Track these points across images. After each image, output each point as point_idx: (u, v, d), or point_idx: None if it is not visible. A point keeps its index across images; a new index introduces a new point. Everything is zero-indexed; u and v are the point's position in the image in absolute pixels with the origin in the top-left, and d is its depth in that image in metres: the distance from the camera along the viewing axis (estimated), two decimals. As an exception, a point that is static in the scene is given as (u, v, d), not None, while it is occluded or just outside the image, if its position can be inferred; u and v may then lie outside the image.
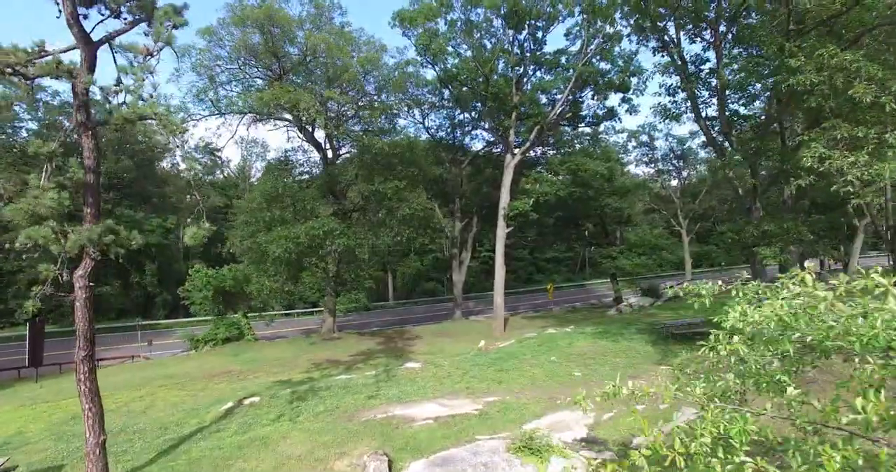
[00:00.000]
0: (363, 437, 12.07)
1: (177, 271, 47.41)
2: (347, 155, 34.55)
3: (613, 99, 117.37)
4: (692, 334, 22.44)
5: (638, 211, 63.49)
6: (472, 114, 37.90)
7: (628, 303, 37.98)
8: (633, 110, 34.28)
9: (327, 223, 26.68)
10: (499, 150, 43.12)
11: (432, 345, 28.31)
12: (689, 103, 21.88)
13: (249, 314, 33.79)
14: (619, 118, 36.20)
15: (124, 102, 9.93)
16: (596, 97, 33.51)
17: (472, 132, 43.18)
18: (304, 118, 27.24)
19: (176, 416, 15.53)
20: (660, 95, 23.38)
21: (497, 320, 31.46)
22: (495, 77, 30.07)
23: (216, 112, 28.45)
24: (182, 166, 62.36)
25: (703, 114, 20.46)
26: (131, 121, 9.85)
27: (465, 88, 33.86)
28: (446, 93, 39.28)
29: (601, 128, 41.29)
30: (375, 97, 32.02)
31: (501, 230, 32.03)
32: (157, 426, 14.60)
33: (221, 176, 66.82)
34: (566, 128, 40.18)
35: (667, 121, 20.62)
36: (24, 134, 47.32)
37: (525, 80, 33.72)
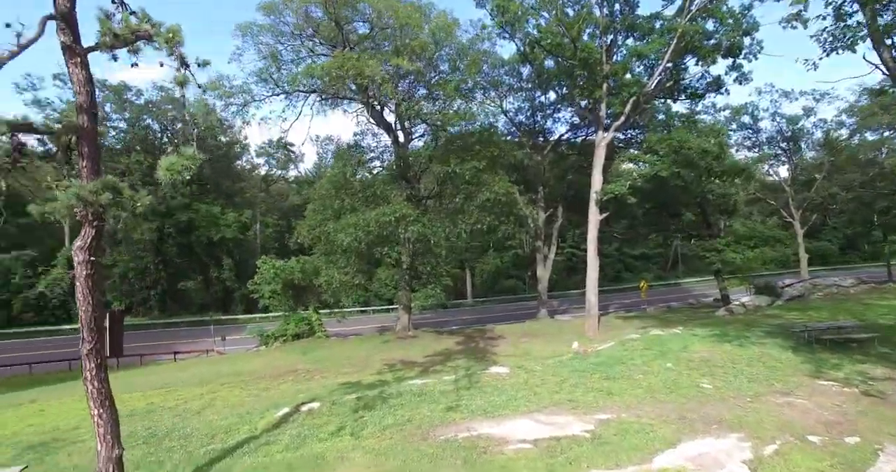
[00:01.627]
0: (441, 465, 9.24)
1: (253, 266, 47.24)
2: (420, 141, 32.18)
3: (720, 67, 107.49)
4: (845, 340, 18.02)
5: (741, 200, 56.86)
6: (556, 91, 34.29)
7: (740, 302, 32.92)
8: (743, 79, 29.30)
9: (399, 209, 24.34)
10: (584, 133, 39.23)
11: (517, 346, 25.16)
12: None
13: (320, 310, 32.21)
14: (725, 90, 31.28)
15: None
16: (700, 63, 28.89)
17: (555, 115, 39.64)
18: (371, 94, 25.16)
19: (228, 420, 13.46)
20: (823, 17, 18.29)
21: (590, 320, 27.78)
22: (585, 38, 26.37)
23: (279, 92, 26.89)
24: (256, 160, 63.04)
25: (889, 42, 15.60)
26: (124, 39, 7.57)
27: (547, 61, 30.44)
28: (525, 72, 35.99)
29: (699, 107, 36.37)
30: (448, 76, 29.31)
31: (594, 217, 28.32)
32: (205, 432, 12.55)
33: (296, 171, 67.35)
34: (661, 105, 35.64)
35: (833, 51, 15.95)
36: (112, 133, 49.09)
37: (615, 49, 29.80)
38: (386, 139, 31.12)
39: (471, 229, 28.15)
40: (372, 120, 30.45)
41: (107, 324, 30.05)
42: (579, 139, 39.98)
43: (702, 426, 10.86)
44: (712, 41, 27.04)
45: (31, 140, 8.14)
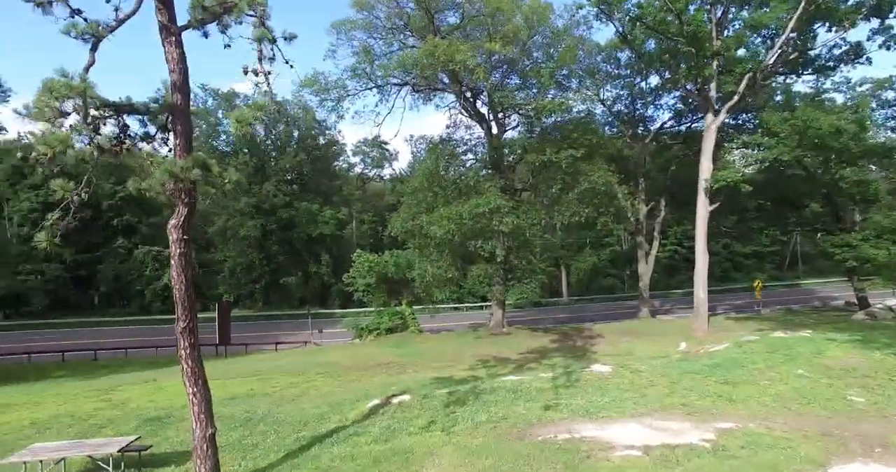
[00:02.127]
0: (539, 468, 8.34)
1: (349, 262, 48.69)
2: (513, 132, 31.20)
3: (860, 31, 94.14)
4: None
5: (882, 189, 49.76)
6: (659, 73, 31.78)
7: (885, 306, 28.62)
8: (893, 42, 25.29)
9: (492, 201, 23.56)
10: (689, 120, 36.17)
11: (617, 345, 23.47)
12: None
13: (414, 305, 32.23)
14: (867, 59, 27.27)
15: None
16: (834, 29, 25.29)
17: (656, 102, 36.93)
18: (463, 83, 24.61)
19: (320, 409, 13.41)
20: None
21: (698, 319, 25.38)
22: (691, 10, 23.98)
23: (372, 86, 27.13)
24: (352, 159, 64.89)
25: None
26: (212, 12, 7.41)
27: (648, 42, 28.23)
28: (623, 58, 33.81)
29: (827, 83, 31.99)
30: (542, 64, 28.01)
31: (702, 208, 25.83)
32: (298, 419, 12.55)
33: (390, 169, 68.82)
34: (780, 84, 31.90)
35: None
36: (223, 137, 52.81)
37: (726, 23, 26.96)
38: (479, 131, 30.56)
39: (568, 222, 26.72)
40: (464, 112, 29.98)
41: (216, 314, 32.25)
42: (683, 127, 36.98)
43: (859, 448, 9.04)
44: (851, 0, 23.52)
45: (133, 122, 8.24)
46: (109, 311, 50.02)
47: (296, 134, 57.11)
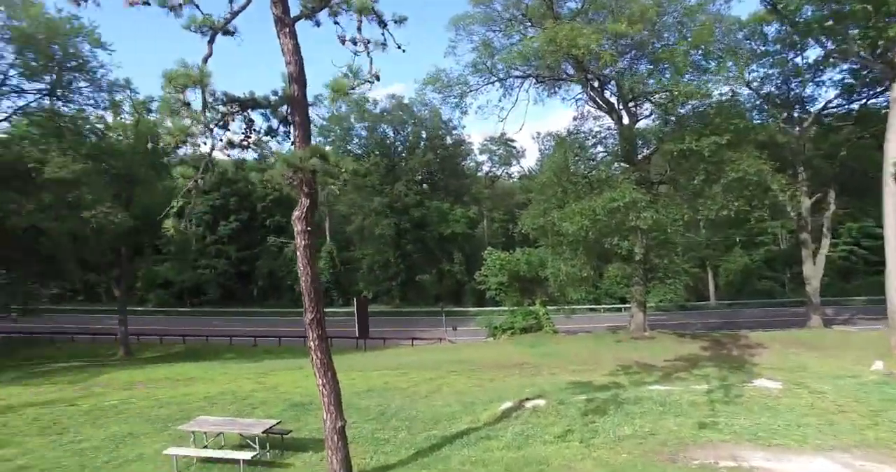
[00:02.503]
0: (702, 500, 7.13)
1: (481, 260, 48.91)
2: (646, 122, 28.66)
3: None
4: None
5: None
6: (821, 44, 26.94)
7: None
8: None
9: (627, 194, 21.71)
10: (864, 95, 30.35)
11: (785, 358, 20.35)
12: None
13: (548, 305, 31.13)
14: None
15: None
16: None
17: (817, 79, 31.41)
18: (589, 70, 22.96)
19: (452, 408, 13.17)
20: None
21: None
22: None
23: (494, 80, 26.52)
24: (479, 158, 64.96)
25: None
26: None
27: (805, 9, 24.07)
28: (771, 32, 29.39)
29: None
30: (675, 46, 25.15)
31: (891, 199, 21.41)
32: (429, 417, 12.42)
33: (518, 167, 67.80)
34: None
35: None
36: (355, 140, 56.02)
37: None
38: (608, 121, 28.50)
39: (714, 216, 23.79)
40: (592, 102, 28.21)
41: (355, 309, 33.95)
42: (855, 105, 31.17)
43: None
44: None
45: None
46: (266, 302, 55.51)
47: (424, 134, 58.65)
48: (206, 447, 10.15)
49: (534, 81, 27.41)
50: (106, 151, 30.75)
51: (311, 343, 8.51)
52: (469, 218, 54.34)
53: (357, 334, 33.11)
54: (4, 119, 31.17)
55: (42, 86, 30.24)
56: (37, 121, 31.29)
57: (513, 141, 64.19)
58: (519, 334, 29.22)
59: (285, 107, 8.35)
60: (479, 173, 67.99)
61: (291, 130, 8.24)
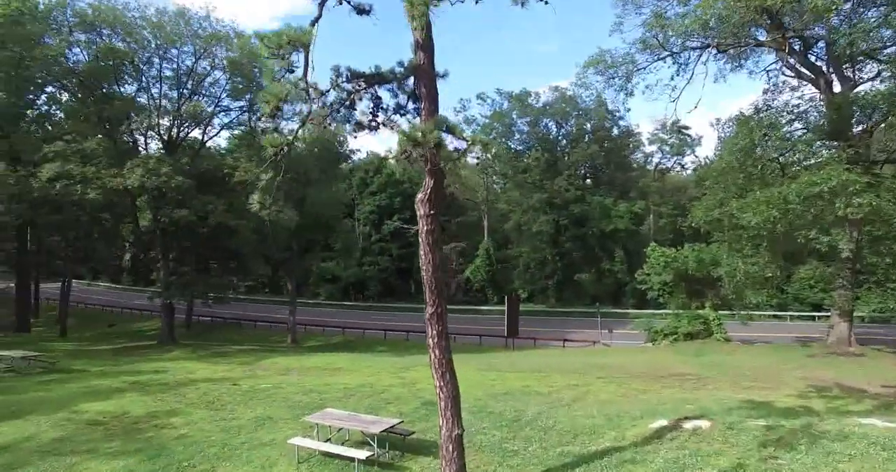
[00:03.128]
0: None
1: (644, 259, 44.84)
2: (869, 86, 23.16)
3: None
4: None
5: None
6: None
7: None
8: None
9: (836, 176, 17.61)
10: None
11: None
12: None
13: (720, 309, 27.08)
14: None
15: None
16: None
17: None
18: (790, 28, 18.97)
19: (595, 420, 11.55)
20: None
21: None
22: None
23: (665, 55, 23.43)
24: (648, 149, 59.95)
25: None
26: None
27: None
28: None
29: None
30: None
31: None
32: (567, 429, 10.99)
33: (692, 157, 60.78)
34: None
35: None
36: (517, 135, 54.96)
37: None
38: (810, 91, 23.67)
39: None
40: (790, 70, 23.65)
41: (506, 307, 33.16)
42: None
43: None
44: None
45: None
46: (421, 299, 57.48)
47: (588, 127, 55.68)
48: (328, 440, 9.99)
49: (714, 52, 23.76)
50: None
51: (430, 340, 7.70)
52: (634, 213, 50.05)
53: (506, 333, 32.34)
54: (215, 134, 36.87)
55: (242, 104, 35.01)
56: (237, 135, 36.57)
57: (686, 128, 58.11)
58: (682, 340, 25.84)
59: (413, 80, 7.66)
60: (648, 166, 62.69)
61: (419, 103, 7.51)
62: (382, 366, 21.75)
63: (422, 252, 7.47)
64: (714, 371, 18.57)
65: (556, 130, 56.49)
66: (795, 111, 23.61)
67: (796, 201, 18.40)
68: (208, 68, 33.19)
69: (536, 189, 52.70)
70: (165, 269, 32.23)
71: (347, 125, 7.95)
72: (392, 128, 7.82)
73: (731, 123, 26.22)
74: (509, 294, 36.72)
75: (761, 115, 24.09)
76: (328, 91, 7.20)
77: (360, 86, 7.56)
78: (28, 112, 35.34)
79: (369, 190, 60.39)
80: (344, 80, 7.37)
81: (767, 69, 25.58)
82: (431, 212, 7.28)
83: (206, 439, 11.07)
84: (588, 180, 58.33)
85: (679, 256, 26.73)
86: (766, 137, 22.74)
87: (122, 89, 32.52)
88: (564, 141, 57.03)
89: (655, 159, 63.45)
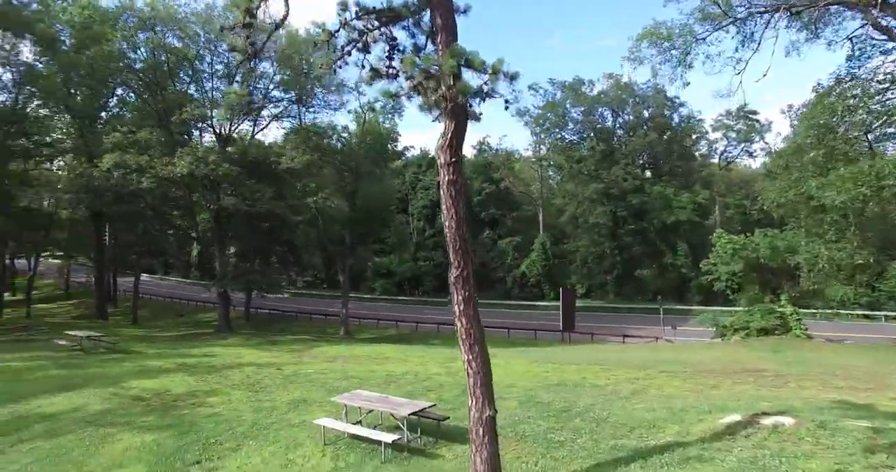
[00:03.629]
0: None
1: (710, 249, 41.72)
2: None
3: None
4: None
5: None
6: None
7: None
8: None
9: (940, 147, 15.35)
10: None
11: None
12: None
13: (799, 305, 24.53)
14: None
15: None
16: None
17: None
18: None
19: (655, 413, 10.30)
20: None
21: None
22: None
23: (726, 22, 21.19)
24: (712, 136, 56.18)
25: None
26: None
27: None
28: None
29: None
30: None
31: None
32: (622, 422, 9.83)
33: (762, 143, 56.20)
34: None
35: None
36: (570, 125, 52.86)
37: None
38: (902, 53, 20.84)
39: None
40: (881, 32, 20.90)
41: (560, 301, 31.71)
42: None
43: None
44: None
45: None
46: (478, 294, 56.34)
47: (645, 114, 52.71)
48: (359, 422, 9.31)
49: (787, 15, 21.28)
50: (329, 148, 34.44)
51: (456, 307, 6.81)
52: (697, 204, 46.47)
53: (561, 327, 30.94)
54: (265, 126, 37.65)
55: (291, 95, 35.45)
56: (285, 125, 37.26)
57: (754, 114, 54.01)
58: (755, 335, 23.54)
59: (428, 13, 6.81)
60: (712, 154, 58.75)
61: (434, 36, 6.64)
62: (431, 357, 21.05)
63: (444, 206, 6.59)
64: (796, 369, 16.57)
65: (611, 118, 53.85)
66: (888, 77, 20.90)
67: (893, 177, 16.17)
68: (256, 60, 33.73)
69: (592, 180, 50.49)
70: (221, 259, 33.00)
71: (362, 72, 7.17)
72: (410, 75, 6.99)
73: (804, 108, 23.56)
74: (564, 286, 35.09)
75: (845, 85, 21.51)
76: (337, 31, 6.49)
77: (372, 25, 6.79)
78: (102, 114, 37.49)
79: (421, 185, 60.22)
80: (353, 16, 6.60)
81: (851, 37, 22.78)
82: (453, 159, 6.39)
83: (238, 418, 10.76)
84: (647, 171, 55.28)
85: (749, 243, 24.19)
86: (851, 110, 20.29)
87: (176, 85, 33.59)
88: (621, 130, 54.27)
89: (720, 147, 59.25)
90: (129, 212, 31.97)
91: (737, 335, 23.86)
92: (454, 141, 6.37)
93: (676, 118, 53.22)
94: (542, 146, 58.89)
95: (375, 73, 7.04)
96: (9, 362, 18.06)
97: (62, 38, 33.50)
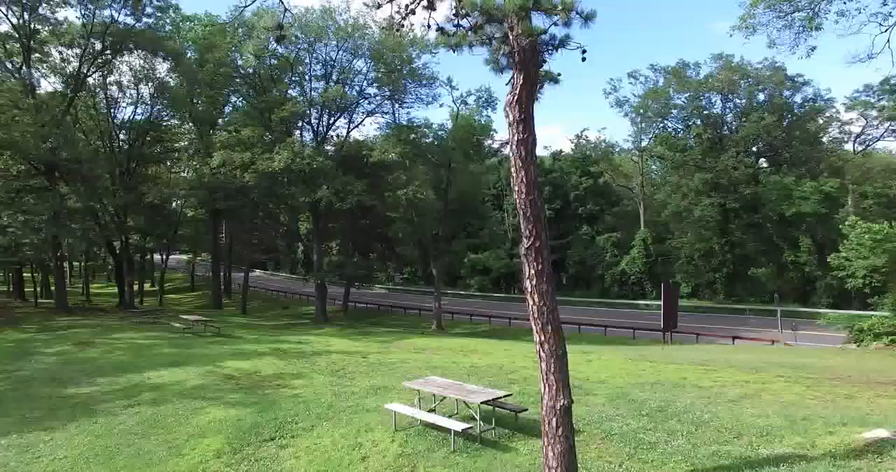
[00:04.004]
0: None
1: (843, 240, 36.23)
2: None
3: None
4: None
5: None
6: None
7: None
8: None
9: None
10: None
11: None
12: None
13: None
14: None
15: None
16: None
17: None
18: None
19: (769, 420, 8.91)
20: None
21: None
22: None
23: None
24: (844, 116, 49.05)
25: None
26: None
27: None
28: None
29: None
30: None
31: None
32: (728, 426, 8.61)
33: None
34: None
35: None
36: (674, 111, 49.20)
37: None
38: None
39: None
40: None
41: (661, 296, 29.38)
42: None
43: None
44: None
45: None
46: (575, 292, 54.35)
47: (761, 97, 47.14)
48: (432, 410, 8.91)
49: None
50: (421, 143, 34.69)
51: (528, 283, 6.10)
52: (825, 194, 40.44)
53: (662, 325, 28.68)
54: (360, 122, 38.88)
55: (384, 91, 36.28)
56: (379, 121, 38.27)
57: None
58: (903, 341, 20.16)
59: None
60: (845, 138, 51.03)
61: None
62: (520, 350, 20.35)
63: (513, 169, 5.94)
64: (959, 381, 13.85)
65: (720, 103, 48.85)
66: None
67: None
68: (351, 58, 34.81)
69: (698, 169, 46.29)
70: (318, 252, 34.42)
71: (430, 32, 6.70)
72: (481, 35, 6.37)
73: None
74: (666, 281, 32.42)
75: None
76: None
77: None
78: (219, 121, 40.86)
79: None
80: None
81: None
82: (522, 117, 5.72)
83: (316, 400, 10.88)
84: (762, 159, 49.64)
85: (893, 232, 20.42)
86: None
87: (278, 86, 35.50)
88: (731, 115, 49.06)
89: (855, 129, 50.81)
90: (238, 206, 34.32)
91: (879, 341, 20.48)
92: (523, 95, 5.71)
93: (799, 99, 46.92)
94: (643, 137, 55.45)
95: (444, 34, 6.57)
96: (135, 340, 20.36)
97: (188, 53, 37.15)
